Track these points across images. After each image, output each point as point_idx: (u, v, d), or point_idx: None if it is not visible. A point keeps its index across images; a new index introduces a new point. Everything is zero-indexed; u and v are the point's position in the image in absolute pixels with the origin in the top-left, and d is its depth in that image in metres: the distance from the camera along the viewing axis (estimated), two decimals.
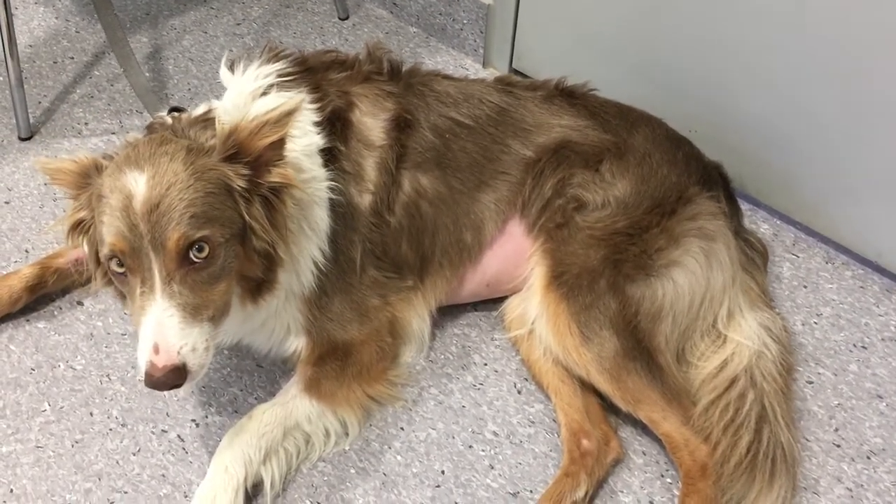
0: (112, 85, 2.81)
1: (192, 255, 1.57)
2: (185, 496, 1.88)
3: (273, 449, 1.85)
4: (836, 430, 2.03)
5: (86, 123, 2.69)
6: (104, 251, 1.59)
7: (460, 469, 1.94)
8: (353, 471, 1.93)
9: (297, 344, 1.95)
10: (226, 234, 1.61)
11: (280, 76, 1.86)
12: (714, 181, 2.11)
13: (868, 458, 1.98)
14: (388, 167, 1.93)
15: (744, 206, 2.31)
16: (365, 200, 1.92)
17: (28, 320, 2.17)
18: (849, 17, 2.02)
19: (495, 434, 2.01)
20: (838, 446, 2.00)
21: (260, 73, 1.85)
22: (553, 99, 2.10)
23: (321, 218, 1.83)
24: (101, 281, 1.73)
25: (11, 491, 1.87)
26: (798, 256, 2.40)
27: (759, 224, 2.47)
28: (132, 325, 2.02)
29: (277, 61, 1.90)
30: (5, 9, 2.43)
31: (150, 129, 1.86)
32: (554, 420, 2.02)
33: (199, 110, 1.85)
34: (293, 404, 1.90)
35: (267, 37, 3.00)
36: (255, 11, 3.12)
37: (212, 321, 1.61)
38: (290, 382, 1.96)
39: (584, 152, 2.03)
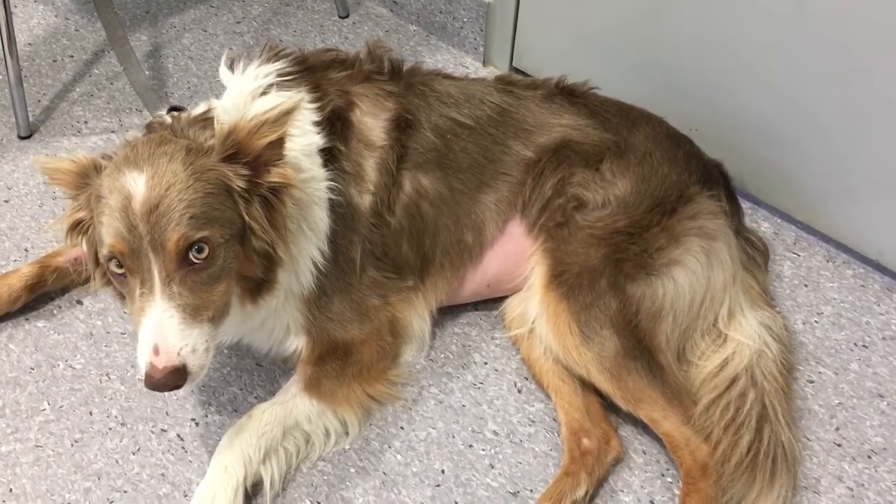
0: (112, 83, 2.81)
1: (191, 256, 1.56)
2: (185, 495, 1.88)
3: (273, 448, 1.85)
4: (837, 429, 2.03)
5: (85, 122, 2.69)
6: (103, 252, 1.59)
7: (460, 468, 1.94)
8: (352, 470, 1.93)
9: (297, 343, 1.95)
10: (225, 234, 1.60)
11: (280, 75, 1.86)
12: (714, 180, 2.11)
13: (869, 457, 1.98)
14: (388, 168, 1.93)
15: (744, 205, 2.30)
16: (365, 201, 1.92)
17: (27, 319, 2.17)
18: (849, 16, 2.01)
19: (495, 433, 2.00)
20: (839, 445, 2.00)
21: (259, 73, 1.84)
22: (553, 98, 2.10)
23: (321, 218, 1.83)
24: (100, 281, 1.72)
25: (11, 490, 1.87)
26: (799, 255, 2.39)
27: (760, 223, 2.47)
28: (132, 325, 2.02)
29: (277, 60, 1.89)
30: (4, 7, 2.43)
31: (150, 128, 1.85)
32: (554, 419, 2.01)
33: (199, 110, 1.85)
34: (293, 403, 1.90)
35: (267, 35, 3.00)
36: (254, 10, 3.11)
37: (212, 322, 1.61)
38: (290, 382, 1.96)
39: (585, 151, 2.03)
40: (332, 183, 1.85)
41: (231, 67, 1.90)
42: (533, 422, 2.03)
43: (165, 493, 1.88)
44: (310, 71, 1.94)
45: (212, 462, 1.81)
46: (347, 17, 3.10)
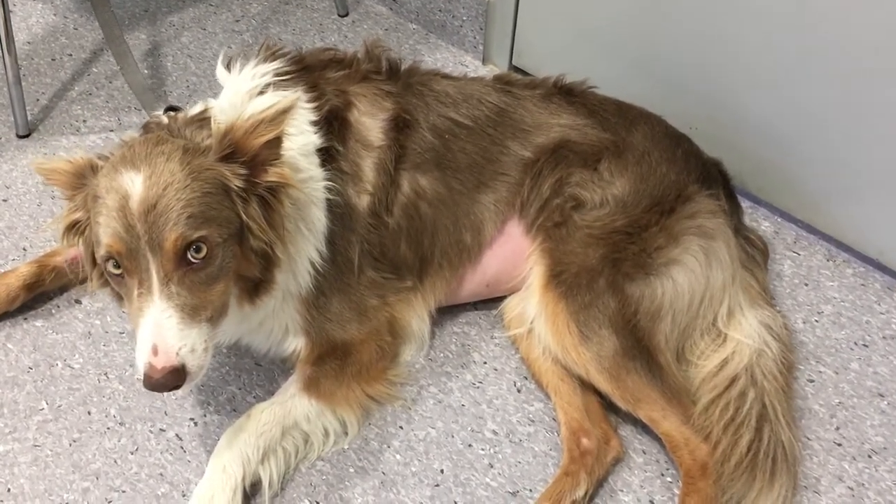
0: (110, 82, 2.80)
1: (189, 256, 1.56)
2: (184, 495, 1.87)
3: (271, 448, 1.85)
4: (838, 428, 2.02)
5: (84, 121, 2.68)
6: (100, 252, 1.58)
7: (460, 468, 1.94)
8: (351, 470, 1.93)
9: (295, 344, 1.95)
10: (223, 234, 1.60)
11: (277, 75, 1.85)
12: (714, 179, 2.10)
13: (869, 456, 1.98)
14: (386, 168, 1.92)
15: (744, 204, 2.30)
16: (363, 201, 1.91)
17: (26, 319, 2.17)
18: (849, 15, 2.01)
19: (495, 433, 2.00)
20: (839, 445, 1.99)
21: (257, 72, 1.84)
22: (552, 97, 2.10)
23: (318, 218, 1.83)
24: (97, 282, 1.72)
25: (9, 490, 1.87)
26: (799, 254, 2.39)
27: (760, 222, 2.46)
28: (130, 325, 2.02)
29: (274, 60, 1.89)
30: (3, 5, 2.42)
31: (147, 128, 1.85)
32: (554, 419, 2.01)
33: (196, 109, 1.84)
34: (292, 403, 1.89)
35: (266, 34, 2.99)
36: (253, 8, 3.11)
37: (210, 322, 1.61)
38: (289, 381, 1.95)
39: (583, 151, 2.03)
40: (330, 183, 1.84)
41: (228, 67, 1.90)
42: (532, 421, 2.02)
43: (164, 493, 1.88)
44: (307, 70, 1.93)
45: (210, 462, 1.81)
46: (346, 15, 3.09)
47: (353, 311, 1.94)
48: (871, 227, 2.28)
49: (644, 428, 1.97)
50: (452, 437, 1.99)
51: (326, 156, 1.86)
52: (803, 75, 2.17)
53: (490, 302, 2.20)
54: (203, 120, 1.76)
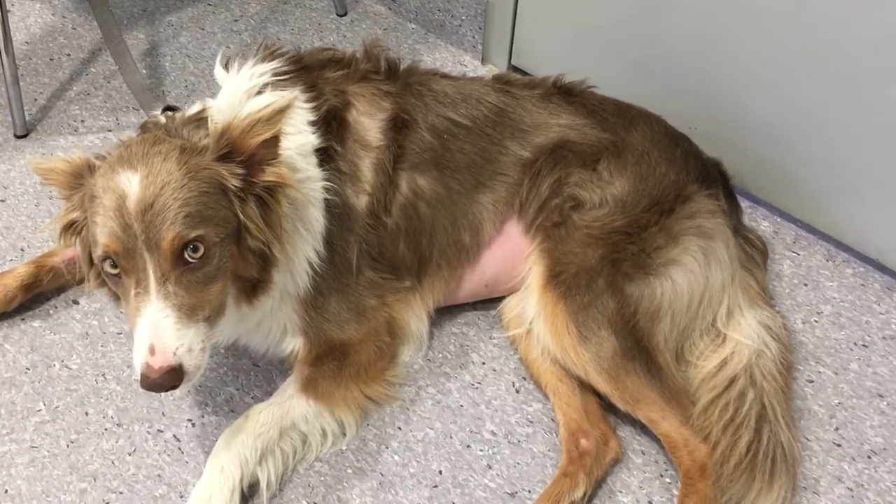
0: (109, 82, 2.80)
1: (186, 256, 1.55)
2: (181, 496, 1.87)
3: (269, 449, 1.85)
4: (837, 429, 2.02)
5: (82, 121, 2.68)
6: (98, 252, 1.58)
7: (458, 469, 1.93)
8: (350, 471, 1.92)
9: (293, 344, 1.94)
10: (221, 233, 1.60)
11: (275, 75, 1.85)
12: (713, 179, 2.10)
13: (869, 457, 1.97)
14: (384, 168, 1.92)
15: (743, 204, 2.29)
16: (361, 201, 1.91)
17: (23, 319, 2.16)
18: (849, 14, 2.00)
19: (493, 434, 2.00)
20: (839, 446, 1.99)
21: (255, 72, 1.84)
22: (551, 97, 2.09)
23: (316, 218, 1.82)
24: (94, 282, 1.71)
25: (6, 491, 1.86)
26: (798, 254, 2.38)
27: (760, 222, 2.46)
28: (128, 325, 2.02)
29: (273, 59, 1.89)
30: (1, 5, 2.42)
31: (144, 128, 1.85)
32: (552, 419, 2.01)
33: (193, 109, 1.84)
34: (290, 404, 1.89)
35: (264, 33, 2.99)
36: (252, 8, 3.10)
37: (207, 322, 1.60)
38: (287, 382, 1.95)
39: (582, 151, 2.02)
40: (328, 183, 1.84)
41: (226, 66, 1.89)
42: (531, 422, 2.02)
43: (161, 494, 1.87)
44: (305, 70, 1.93)
45: (208, 463, 1.81)
46: (345, 15, 3.09)
47: (351, 311, 1.93)
48: (870, 226, 2.28)
49: (643, 429, 1.97)
50: (451, 437, 1.99)
51: (325, 156, 1.86)
52: (803, 75, 2.16)
53: (489, 302, 2.19)
54: (200, 120, 1.76)
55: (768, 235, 2.41)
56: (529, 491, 1.90)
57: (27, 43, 2.92)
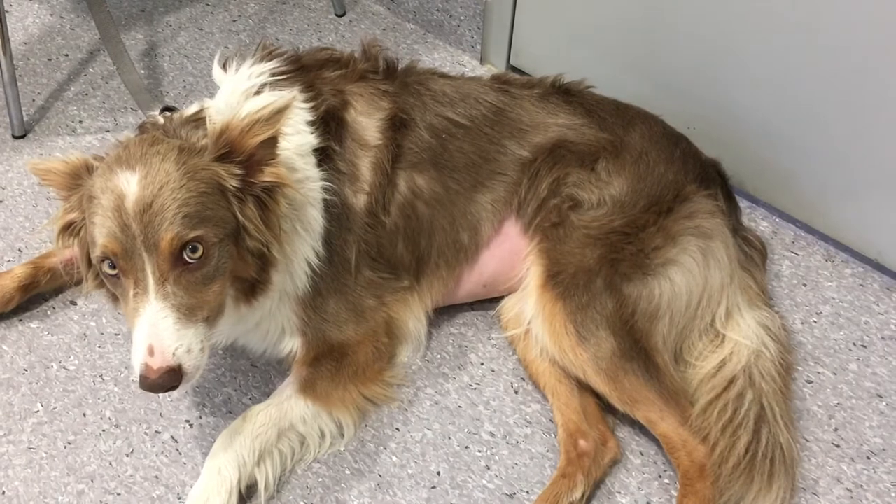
0: (107, 82, 2.79)
1: (185, 256, 1.55)
2: (179, 498, 1.86)
3: (267, 450, 1.84)
4: (836, 429, 2.02)
5: (80, 121, 2.67)
6: (96, 253, 1.57)
7: (456, 470, 1.93)
8: (348, 472, 1.92)
9: (292, 345, 1.94)
10: (219, 234, 1.59)
11: (273, 75, 1.85)
12: (712, 179, 2.09)
13: (868, 458, 1.97)
14: (383, 167, 1.92)
15: (742, 204, 2.29)
16: (360, 201, 1.91)
17: (21, 320, 2.16)
18: (849, 14, 2.00)
19: (492, 434, 1.99)
20: (838, 446, 1.99)
21: (253, 72, 1.84)
22: (549, 97, 2.09)
23: (315, 218, 1.82)
24: (92, 283, 1.71)
25: (3, 493, 1.86)
26: (797, 254, 2.38)
27: (759, 222, 2.45)
28: (126, 326, 2.01)
29: (271, 59, 1.89)
30: None
31: (142, 129, 1.84)
32: (551, 420, 2.00)
33: (192, 110, 1.84)
34: (288, 405, 1.89)
35: (263, 34, 2.99)
36: (250, 8, 3.10)
37: (206, 322, 1.60)
38: (285, 383, 1.95)
39: (580, 151, 2.02)
40: (327, 183, 1.84)
41: (224, 67, 1.89)
42: (529, 423, 2.02)
43: (159, 496, 1.87)
44: (304, 70, 1.93)
45: (206, 464, 1.80)
46: (344, 15, 3.08)
47: (349, 311, 1.93)
48: (869, 227, 2.28)
49: (642, 429, 1.96)
50: (449, 438, 1.98)
51: (323, 156, 1.86)
52: (802, 75, 2.16)
53: (487, 303, 2.19)
54: (199, 120, 1.76)
55: (767, 236, 2.41)
56: (528, 492, 1.90)
57: (25, 43, 2.91)
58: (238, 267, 1.67)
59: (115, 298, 1.70)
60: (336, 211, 1.87)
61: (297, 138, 1.80)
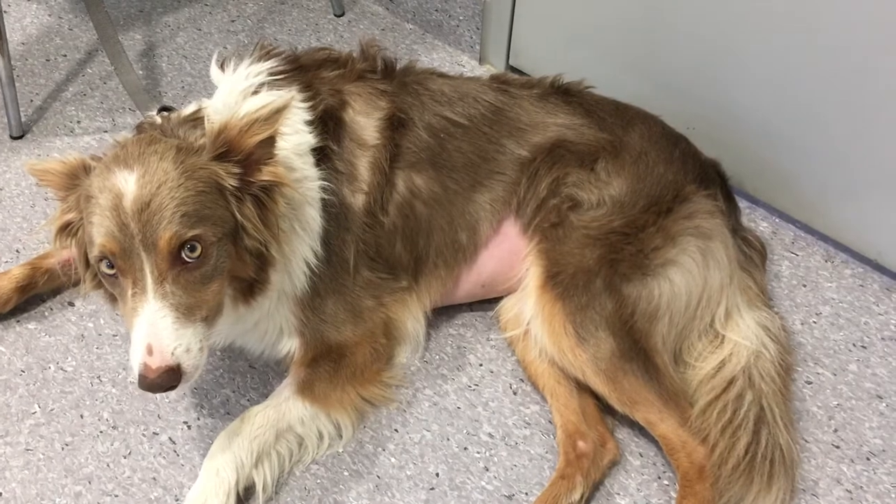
0: (105, 83, 2.79)
1: (184, 255, 1.55)
2: (177, 499, 1.86)
3: (265, 452, 1.84)
4: (836, 430, 2.01)
5: (78, 122, 2.67)
6: (94, 253, 1.57)
7: (455, 471, 1.93)
8: (346, 473, 1.92)
9: (290, 345, 1.93)
10: (218, 233, 1.59)
11: (271, 74, 1.84)
12: (711, 179, 2.09)
13: (868, 459, 1.96)
14: (381, 167, 1.91)
15: (742, 205, 2.28)
16: (358, 200, 1.90)
17: (18, 321, 2.15)
18: (849, 14, 2.00)
19: (490, 436, 1.99)
20: (837, 447, 1.98)
21: (251, 72, 1.83)
22: (548, 97, 2.09)
23: (313, 218, 1.81)
24: (90, 284, 1.70)
25: (1, 494, 1.85)
26: (797, 255, 2.38)
27: (758, 222, 2.45)
28: (124, 326, 2.01)
29: (269, 59, 1.88)
30: None
31: (140, 129, 1.84)
32: (550, 421, 2.00)
33: (189, 109, 1.83)
34: (286, 406, 1.88)
35: (261, 34, 2.98)
36: (249, 8, 3.09)
37: (205, 321, 1.59)
38: (283, 384, 1.94)
39: (580, 151, 2.02)
40: (325, 182, 1.84)
41: (222, 67, 1.89)
42: (528, 424, 2.01)
43: (157, 497, 1.86)
44: (302, 70, 1.92)
45: (204, 466, 1.80)
46: (343, 15, 3.08)
47: (348, 312, 1.93)
48: (869, 227, 2.27)
49: (641, 430, 1.96)
50: (448, 440, 1.98)
51: (321, 155, 1.85)
52: (801, 75, 2.16)
53: (486, 304, 2.18)
54: (196, 120, 1.76)
55: (767, 236, 2.40)
56: (527, 493, 1.90)
57: (23, 44, 2.91)
58: (236, 266, 1.66)
59: (113, 299, 1.69)
60: (334, 211, 1.86)
61: (296, 138, 1.80)
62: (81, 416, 1.99)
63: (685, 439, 1.84)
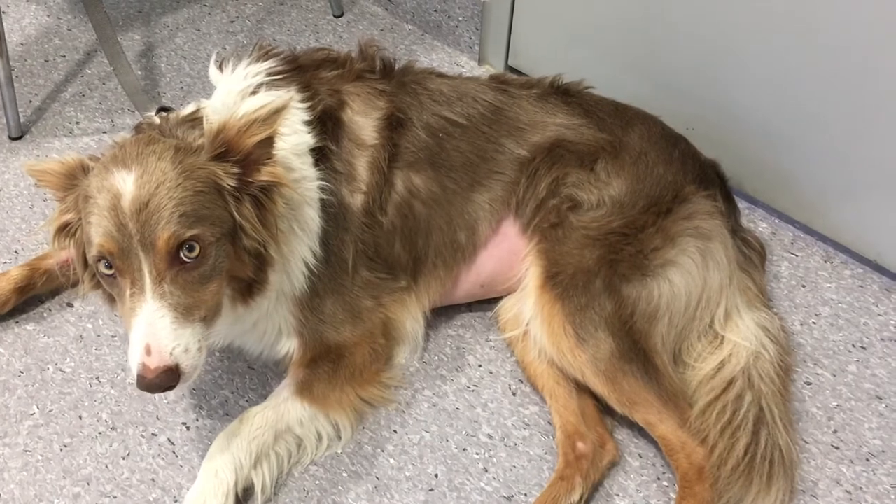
0: (104, 83, 2.79)
1: (182, 255, 1.55)
2: (175, 501, 1.85)
3: (264, 453, 1.83)
4: (835, 431, 2.01)
5: (77, 122, 2.67)
6: (92, 253, 1.57)
7: (454, 472, 1.92)
8: (345, 474, 1.91)
9: (288, 346, 1.93)
10: (216, 233, 1.59)
11: (270, 75, 1.84)
12: (711, 179, 2.09)
13: (867, 460, 1.96)
14: (380, 167, 1.91)
15: (741, 205, 2.28)
16: (357, 200, 1.90)
17: (17, 322, 2.15)
18: (849, 15, 2.00)
19: (489, 437, 1.98)
20: (837, 448, 1.98)
21: (249, 72, 1.83)
22: (548, 97, 2.08)
23: (312, 218, 1.81)
24: (89, 284, 1.70)
25: None
26: (796, 255, 2.37)
27: (758, 223, 2.45)
28: (123, 327, 2.00)
29: (267, 60, 1.88)
30: None
31: (138, 129, 1.84)
32: (549, 422, 1.99)
33: (188, 110, 1.83)
34: (285, 407, 1.88)
35: (260, 34, 2.98)
36: (248, 9, 3.09)
37: (204, 322, 1.59)
38: (282, 385, 1.94)
39: (579, 151, 2.01)
40: (324, 182, 1.84)
41: (221, 67, 1.89)
42: (527, 425, 2.01)
43: (155, 499, 1.86)
44: (300, 70, 1.92)
45: (202, 467, 1.79)
46: (342, 15, 3.08)
47: (346, 312, 1.92)
48: (869, 228, 2.27)
49: (640, 431, 1.96)
50: (447, 441, 1.98)
51: (320, 155, 1.85)
52: (801, 76, 2.16)
53: (485, 304, 2.18)
54: (195, 120, 1.76)
55: (766, 237, 2.40)
56: (526, 494, 1.89)
57: (22, 44, 2.91)
58: (235, 267, 1.66)
59: (111, 300, 1.69)
60: (333, 211, 1.86)
61: (294, 138, 1.80)
62: (80, 418, 1.98)
63: (684, 440, 1.83)
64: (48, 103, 2.72)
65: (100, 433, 1.96)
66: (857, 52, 2.03)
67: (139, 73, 2.81)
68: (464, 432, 1.99)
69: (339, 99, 1.92)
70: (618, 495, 1.90)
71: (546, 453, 1.96)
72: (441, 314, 2.16)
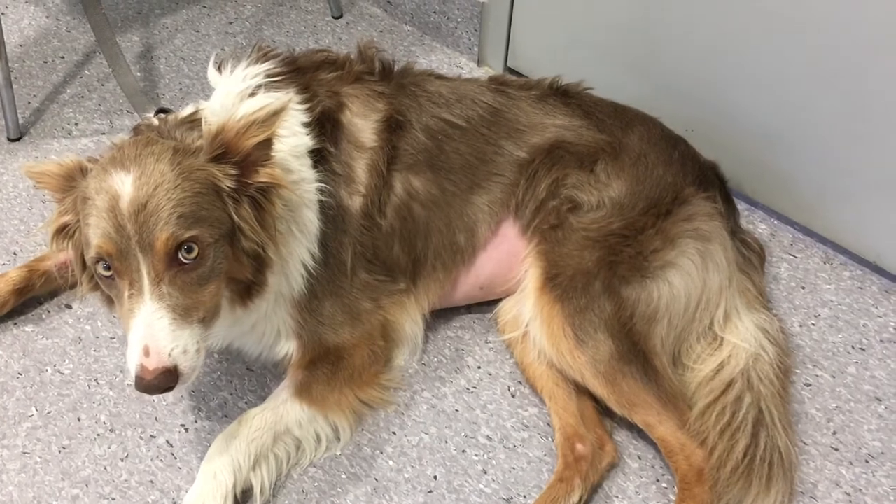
0: (103, 85, 2.79)
1: (181, 256, 1.54)
2: (174, 502, 1.85)
3: (263, 455, 1.83)
4: (834, 433, 2.01)
5: (76, 124, 2.67)
6: (90, 254, 1.57)
7: (453, 474, 1.92)
8: (344, 476, 1.91)
9: (287, 347, 1.93)
10: (215, 234, 1.59)
11: (268, 76, 1.84)
12: (710, 181, 2.09)
13: (866, 461, 1.96)
14: (379, 169, 1.91)
15: (741, 207, 2.28)
16: (355, 203, 1.90)
17: (15, 324, 2.15)
18: (848, 15, 2.00)
19: (489, 438, 1.98)
20: (836, 450, 1.98)
21: (248, 74, 1.83)
22: (547, 98, 2.08)
23: (310, 220, 1.81)
24: (87, 286, 1.70)
25: None
26: (796, 257, 2.37)
27: (757, 224, 2.45)
28: (122, 328, 2.00)
29: (266, 61, 1.88)
30: None
31: (137, 130, 1.84)
32: (548, 424, 1.99)
33: (187, 111, 1.83)
34: (284, 409, 1.88)
35: (259, 36, 2.98)
36: (247, 10, 3.09)
37: (202, 323, 1.59)
38: (281, 387, 1.94)
39: (579, 152, 2.01)
40: (322, 184, 1.83)
41: (220, 68, 1.89)
42: (527, 427, 2.01)
43: (154, 501, 1.86)
44: (299, 72, 1.92)
45: (201, 469, 1.79)
46: (341, 17, 3.08)
47: (345, 314, 1.92)
48: (868, 229, 2.27)
49: (640, 433, 1.95)
50: (446, 442, 1.97)
51: (319, 157, 1.85)
52: (800, 77, 2.16)
53: (484, 306, 2.18)
54: (194, 121, 1.76)
55: (765, 238, 2.40)
56: (525, 496, 1.89)
57: (21, 45, 2.91)
58: (233, 268, 1.66)
59: (109, 301, 1.69)
60: (331, 213, 1.86)
61: (293, 140, 1.80)
62: (78, 419, 1.98)
63: (684, 442, 1.83)
64: (47, 105, 2.72)
65: (98, 435, 1.96)
66: (856, 54, 2.03)
67: (138, 74, 2.81)
68: (463, 434, 1.99)
69: (338, 101, 1.92)
70: (617, 497, 1.90)
71: (545, 455, 1.96)
72: (440, 316, 2.16)
